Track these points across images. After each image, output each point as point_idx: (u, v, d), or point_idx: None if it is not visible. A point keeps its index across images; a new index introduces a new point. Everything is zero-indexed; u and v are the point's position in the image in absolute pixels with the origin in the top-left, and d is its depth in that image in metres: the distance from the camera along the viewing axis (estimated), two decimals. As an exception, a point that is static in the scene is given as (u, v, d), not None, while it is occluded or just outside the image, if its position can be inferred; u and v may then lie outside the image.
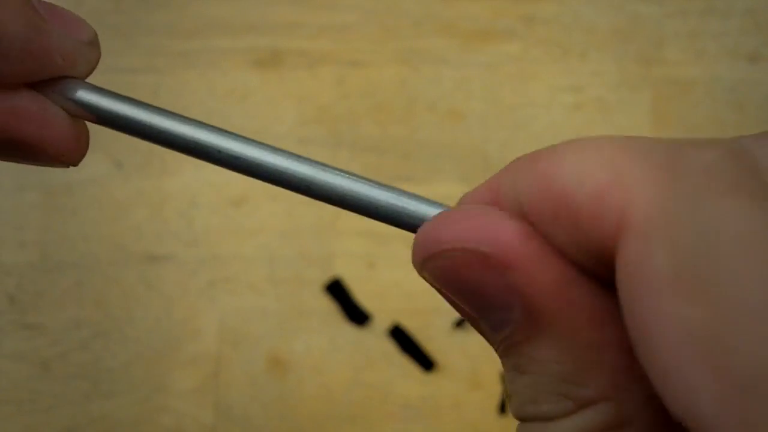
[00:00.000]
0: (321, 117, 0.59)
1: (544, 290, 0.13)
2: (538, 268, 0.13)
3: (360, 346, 0.55)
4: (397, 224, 0.16)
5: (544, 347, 0.13)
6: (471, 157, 0.58)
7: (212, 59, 0.61)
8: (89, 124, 0.18)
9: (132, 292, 0.57)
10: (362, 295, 0.56)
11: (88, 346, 0.56)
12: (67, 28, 0.17)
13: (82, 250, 0.57)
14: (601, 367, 0.13)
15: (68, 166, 0.18)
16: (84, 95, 0.17)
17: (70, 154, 0.18)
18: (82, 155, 0.18)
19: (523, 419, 0.14)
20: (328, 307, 0.56)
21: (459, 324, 0.55)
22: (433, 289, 0.17)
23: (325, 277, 0.56)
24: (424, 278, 0.14)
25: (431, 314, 0.55)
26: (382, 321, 0.56)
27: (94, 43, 0.18)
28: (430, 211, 0.16)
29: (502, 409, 0.54)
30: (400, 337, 0.55)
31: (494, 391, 0.54)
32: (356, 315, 0.56)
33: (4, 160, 0.17)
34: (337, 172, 0.17)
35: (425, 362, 0.55)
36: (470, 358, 0.55)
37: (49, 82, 0.17)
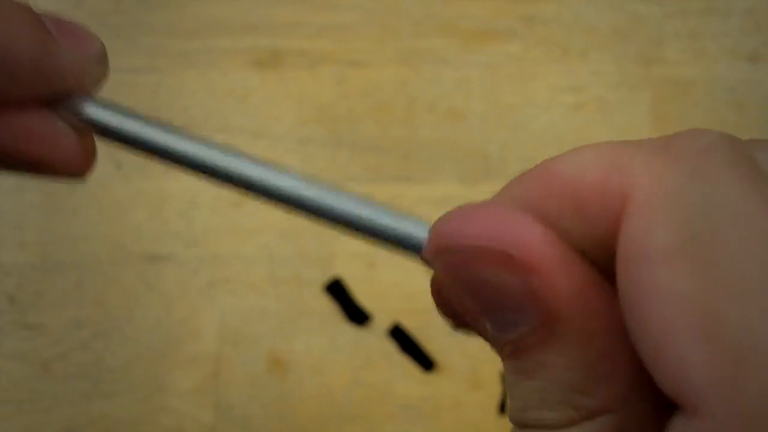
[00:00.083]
0: (321, 117, 0.59)
1: (564, 297, 0.13)
2: (560, 275, 0.13)
3: (360, 346, 0.55)
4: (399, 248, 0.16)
5: (556, 354, 0.13)
6: (471, 157, 0.58)
7: (212, 59, 0.61)
8: None
9: (132, 292, 0.57)
10: (362, 295, 0.56)
11: (88, 346, 0.56)
12: (76, 44, 0.17)
13: (82, 250, 0.57)
14: (610, 378, 0.13)
15: (75, 179, 0.18)
16: (92, 111, 0.17)
17: (77, 169, 0.18)
18: (90, 169, 0.18)
19: (521, 425, 0.14)
20: (328, 307, 0.56)
21: (459, 324, 0.55)
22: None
23: (325, 277, 0.56)
24: (434, 269, 0.14)
25: (431, 314, 0.55)
26: (382, 321, 0.56)
27: (102, 60, 0.18)
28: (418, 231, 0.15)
29: (502, 409, 0.54)
30: (400, 337, 0.55)
31: (494, 391, 0.54)
32: (356, 315, 0.56)
33: (11, 173, 0.17)
34: (347, 197, 0.16)
35: (425, 362, 0.55)
36: (470, 358, 0.55)
37: (57, 99, 0.17)
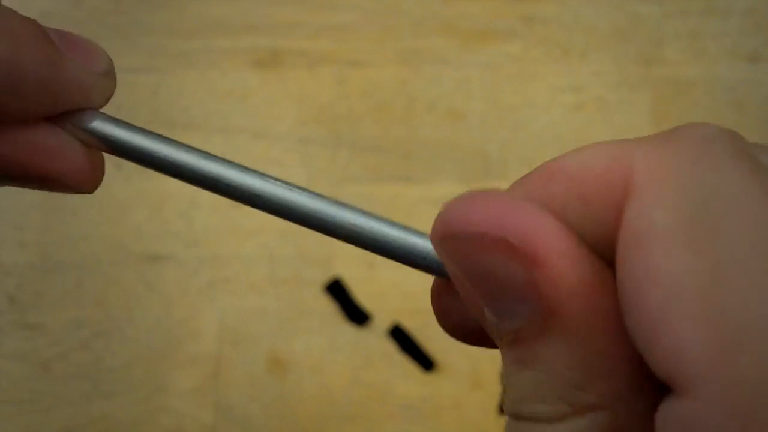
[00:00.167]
0: (321, 117, 0.59)
1: (566, 291, 0.13)
2: (564, 268, 0.13)
3: (360, 346, 0.55)
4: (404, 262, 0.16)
5: (554, 347, 0.13)
6: (471, 157, 0.58)
7: (212, 59, 0.61)
8: None
9: (132, 292, 0.57)
10: (362, 295, 0.56)
11: (88, 346, 0.56)
12: (83, 58, 0.17)
13: (82, 250, 0.57)
14: (607, 375, 0.13)
15: (83, 193, 0.18)
16: (100, 127, 0.17)
17: (86, 184, 0.18)
18: (98, 184, 0.18)
19: (515, 417, 0.14)
20: (328, 307, 0.56)
21: (459, 324, 0.55)
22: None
23: (325, 277, 0.56)
24: (438, 253, 0.14)
25: (431, 314, 0.55)
26: (382, 321, 0.56)
27: (109, 73, 0.17)
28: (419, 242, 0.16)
29: (502, 409, 0.54)
30: (400, 337, 0.55)
31: (494, 391, 0.54)
32: (356, 315, 0.56)
33: (21, 187, 0.17)
34: (347, 209, 0.16)
35: (425, 362, 0.55)
36: (470, 358, 0.55)
37: (65, 115, 0.17)
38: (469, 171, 0.58)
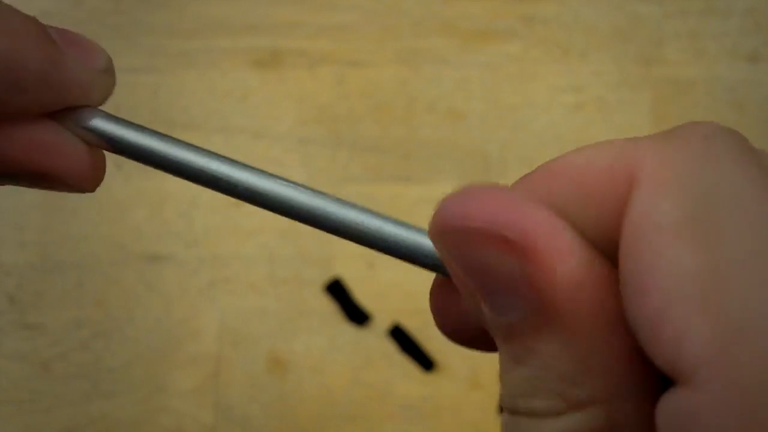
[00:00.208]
0: (321, 117, 0.59)
1: (560, 288, 0.13)
2: (560, 264, 0.13)
3: (360, 346, 0.55)
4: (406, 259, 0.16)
5: (549, 342, 0.13)
6: (471, 157, 0.58)
7: (212, 59, 0.61)
8: None
9: (132, 292, 0.57)
10: (362, 295, 0.56)
11: (88, 346, 0.56)
12: (83, 55, 0.17)
13: (82, 250, 0.57)
14: (602, 371, 0.13)
15: (84, 191, 0.18)
16: (100, 124, 0.17)
17: (87, 182, 0.18)
18: (99, 182, 0.18)
19: (512, 412, 0.14)
20: (328, 307, 0.56)
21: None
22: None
23: (325, 277, 0.56)
24: (436, 247, 0.14)
25: (431, 314, 0.55)
26: (382, 321, 0.56)
27: (109, 71, 0.18)
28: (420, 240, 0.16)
29: (502, 409, 0.54)
30: (400, 337, 0.55)
31: (494, 391, 0.54)
32: (356, 315, 0.56)
33: (22, 186, 0.17)
34: (352, 207, 0.16)
35: (425, 362, 0.55)
36: (470, 358, 0.55)
37: (65, 112, 0.17)
38: (469, 171, 0.58)
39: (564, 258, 0.13)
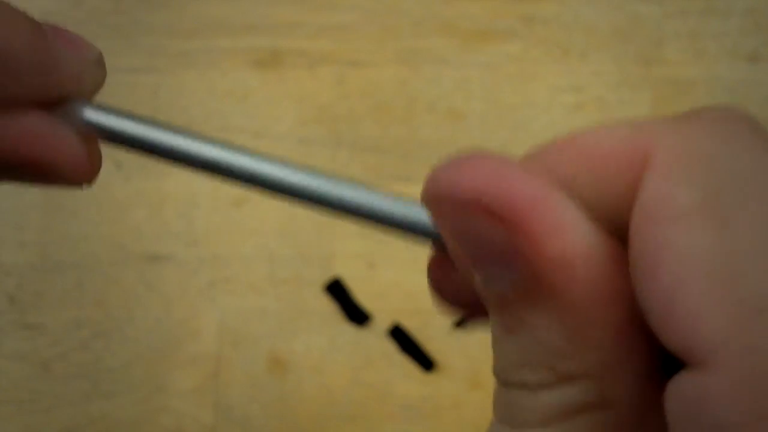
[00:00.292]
0: (321, 117, 0.59)
1: (551, 260, 0.12)
2: (549, 239, 0.12)
3: (360, 346, 0.55)
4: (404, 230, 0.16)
5: (539, 314, 0.13)
6: (471, 157, 0.58)
7: (212, 59, 0.61)
8: None
9: (132, 292, 0.57)
10: (362, 295, 0.56)
11: (88, 346, 0.56)
12: (73, 48, 0.17)
13: (82, 250, 0.57)
14: (594, 345, 0.13)
15: (82, 187, 0.18)
16: (92, 115, 0.17)
17: (83, 175, 0.18)
18: (96, 175, 0.18)
19: (504, 383, 0.14)
20: (328, 307, 0.56)
21: (459, 324, 0.55)
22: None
23: (325, 277, 0.56)
24: (429, 214, 0.14)
25: (431, 314, 0.55)
26: (382, 321, 0.56)
27: (99, 63, 0.18)
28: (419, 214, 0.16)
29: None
30: (400, 337, 0.55)
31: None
32: (356, 315, 0.56)
33: (19, 183, 0.17)
34: (346, 183, 0.16)
35: (425, 362, 0.55)
36: (470, 358, 0.55)
37: (57, 103, 0.17)
38: (469, 171, 0.58)
39: (557, 232, 0.12)
